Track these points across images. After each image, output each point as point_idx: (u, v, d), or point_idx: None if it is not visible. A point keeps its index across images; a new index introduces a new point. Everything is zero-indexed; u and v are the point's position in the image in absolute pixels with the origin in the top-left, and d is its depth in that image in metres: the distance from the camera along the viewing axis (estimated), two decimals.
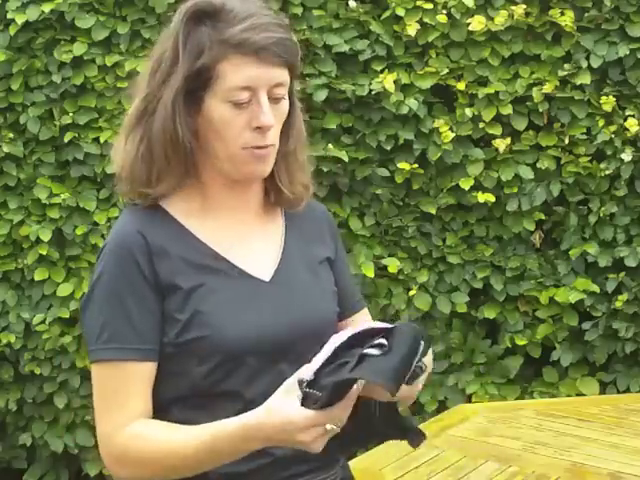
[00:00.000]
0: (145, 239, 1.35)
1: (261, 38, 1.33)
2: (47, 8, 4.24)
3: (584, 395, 4.26)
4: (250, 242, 1.44)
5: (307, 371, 1.19)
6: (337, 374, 1.17)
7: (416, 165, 4.27)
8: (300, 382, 1.19)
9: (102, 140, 4.30)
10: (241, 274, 1.40)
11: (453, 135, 4.23)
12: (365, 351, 1.19)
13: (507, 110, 4.25)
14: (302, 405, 1.18)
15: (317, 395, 1.17)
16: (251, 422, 1.23)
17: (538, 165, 4.29)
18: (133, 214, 1.41)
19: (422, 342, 1.23)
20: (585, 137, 4.27)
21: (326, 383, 1.17)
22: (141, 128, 1.38)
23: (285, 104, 1.40)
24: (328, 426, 1.19)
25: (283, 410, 1.20)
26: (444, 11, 4.22)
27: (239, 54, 1.33)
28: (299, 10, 4.24)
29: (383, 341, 1.20)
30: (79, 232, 4.35)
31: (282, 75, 1.37)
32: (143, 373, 1.34)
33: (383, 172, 4.33)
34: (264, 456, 1.34)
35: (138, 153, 1.38)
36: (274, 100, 1.37)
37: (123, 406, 1.33)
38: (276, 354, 1.36)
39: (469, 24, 4.19)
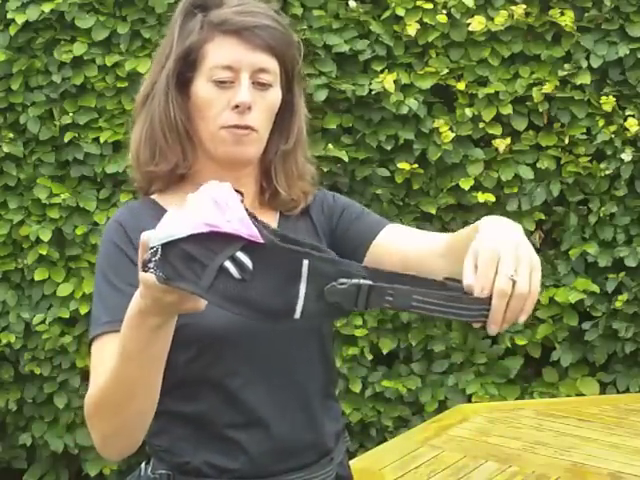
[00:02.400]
0: (123, 227, 1.38)
1: (245, 20, 1.37)
2: (47, 8, 4.24)
3: (584, 395, 4.27)
4: None
5: (156, 239, 1.03)
6: (190, 271, 1.00)
7: (416, 165, 4.27)
8: (150, 255, 1.03)
9: (102, 140, 4.31)
10: None
11: (453, 135, 4.23)
12: (225, 264, 1.01)
13: (507, 110, 4.26)
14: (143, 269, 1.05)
15: (161, 277, 1.02)
16: (136, 295, 1.12)
17: (538, 165, 4.29)
18: (121, 210, 1.46)
19: (304, 272, 1.01)
20: (585, 137, 4.27)
21: (173, 263, 1.01)
22: (145, 112, 1.44)
23: (273, 94, 1.41)
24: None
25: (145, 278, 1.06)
26: (444, 11, 4.22)
27: (222, 33, 1.37)
28: (299, 10, 4.24)
29: (246, 260, 1.01)
30: (79, 232, 4.35)
31: (267, 61, 1.39)
32: None
33: (383, 172, 4.33)
34: (255, 450, 1.36)
35: (142, 135, 1.44)
36: (259, 85, 1.39)
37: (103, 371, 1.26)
38: (258, 344, 1.36)
39: (469, 24, 4.19)
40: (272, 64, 1.40)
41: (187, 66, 1.39)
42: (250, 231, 1.02)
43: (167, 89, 1.41)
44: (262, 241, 1.02)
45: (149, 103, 1.43)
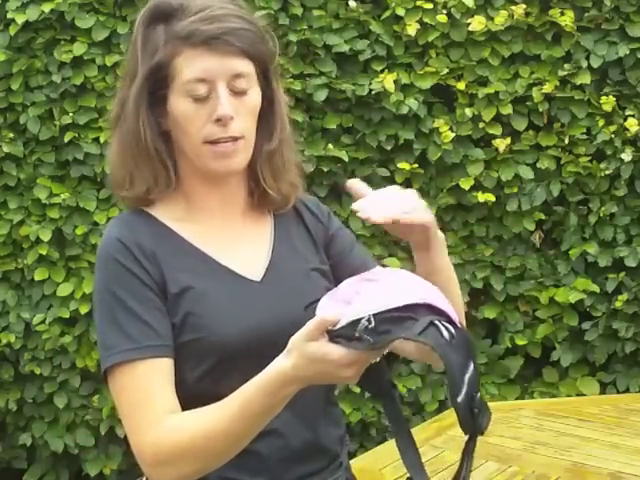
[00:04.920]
0: (124, 244, 1.34)
1: (211, 28, 1.31)
2: (47, 8, 4.24)
3: (584, 395, 4.27)
4: (238, 243, 1.43)
5: (353, 312, 1.14)
6: (402, 328, 1.12)
7: (416, 165, 4.27)
8: (354, 323, 1.13)
9: (102, 140, 4.30)
10: (232, 275, 1.39)
11: (453, 135, 4.23)
12: (435, 321, 1.13)
13: (507, 110, 4.26)
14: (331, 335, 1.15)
15: (369, 341, 1.12)
16: (283, 366, 1.18)
17: (538, 165, 4.29)
18: (116, 223, 1.41)
19: (471, 366, 1.14)
20: (585, 137, 4.27)
21: (385, 330, 1.12)
22: (117, 134, 1.40)
23: (253, 97, 1.37)
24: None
25: (319, 348, 1.15)
26: (444, 11, 4.22)
27: (190, 46, 1.32)
28: (299, 10, 4.24)
29: (451, 328, 1.13)
30: (79, 232, 4.34)
31: (241, 65, 1.34)
32: (162, 369, 1.30)
33: (383, 172, 4.33)
34: (270, 458, 1.34)
35: (115, 157, 1.40)
36: (237, 92, 1.34)
37: (148, 405, 1.27)
38: (270, 354, 1.32)
39: (469, 24, 4.19)
40: (247, 67, 1.35)
41: (158, 83, 1.34)
42: (454, 314, 1.17)
43: (137, 110, 1.35)
44: (459, 325, 1.16)
45: (120, 126, 1.39)
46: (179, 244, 1.39)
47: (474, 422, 1.12)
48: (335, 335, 1.15)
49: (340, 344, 1.14)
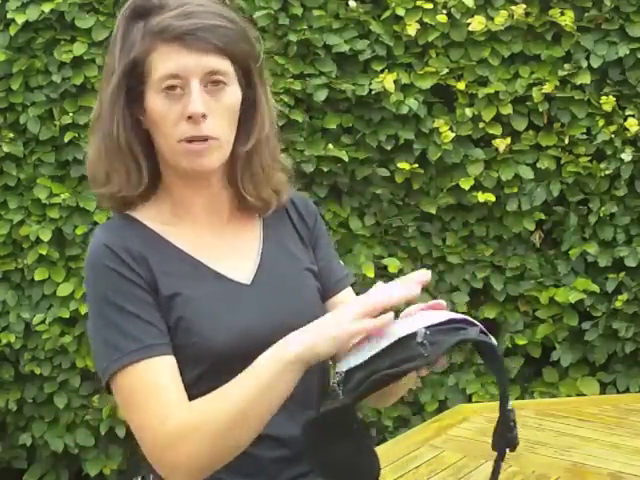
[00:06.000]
0: (110, 249, 1.32)
1: (185, 24, 1.30)
2: (47, 8, 4.24)
3: (584, 395, 4.27)
4: (227, 245, 1.41)
5: (416, 324, 1.16)
6: (453, 335, 1.14)
7: (416, 165, 4.27)
8: (413, 336, 1.14)
9: None
10: (221, 279, 1.37)
11: (453, 135, 4.23)
12: (484, 329, 1.17)
13: (507, 110, 4.26)
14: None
15: (425, 351, 1.12)
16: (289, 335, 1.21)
17: (538, 165, 4.29)
18: (103, 230, 1.39)
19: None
20: (585, 137, 4.27)
21: (438, 340, 1.13)
22: (96, 131, 1.39)
23: (229, 95, 1.34)
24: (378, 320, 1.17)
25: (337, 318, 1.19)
26: (444, 11, 4.22)
27: (164, 42, 1.30)
28: (299, 10, 4.24)
29: (493, 341, 1.17)
30: (79, 232, 4.34)
31: (216, 63, 1.31)
32: (170, 365, 1.29)
33: (383, 172, 4.33)
34: (264, 459, 1.34)
35: (93, 156, 1.39)
36: (211, 90, 1.32)
37: (161, 397, 1.26)
38: None
39: (469, 24, 4.19)
40: (223, 64, 1.32)
41: (135, 80, 1.33)
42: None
43: (112, 108, 1.34)
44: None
45: (99, 125, 1.38)
46: (167, 249, 1.37)
47: (512, 434, 1.17)
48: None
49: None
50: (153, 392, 1.26)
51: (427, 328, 1.13)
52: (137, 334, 1.28)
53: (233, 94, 1.35)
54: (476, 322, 1.17)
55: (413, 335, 1.12)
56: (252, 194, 1.42)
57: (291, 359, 1.18)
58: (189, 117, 1.31)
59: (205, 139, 1.32)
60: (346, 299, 1.49)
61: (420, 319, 1.16)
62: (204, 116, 1.31)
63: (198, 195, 1.40)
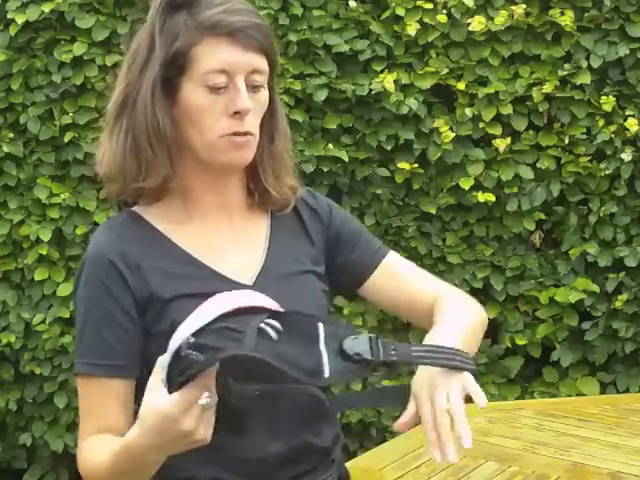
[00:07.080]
0: (110, 261, 1.32)
1: (236, 20, 1.30)
2: (47, 8, 4.24)
3: (584, 395, 4.27)
4: (232, 246, 1.41)
5: (181, 335, 1.10)
6: (231, 344, 1.07)
7: (416, 165, 4.27)
8: (179, 348, 1.09)
9: None
10: (223, 280, 1.36)
11: (453, 135, 4.23)
12: (261, 326, 1.10)
13: (507, 110, 4.26)
14: (167, 384, 1.10)
15: (197, 358, 1.07)
16: (132, 436, 1.18)
17: (538, 165, 4.29)
18: (104, 231, 1.39)
19: (321, 336, 1.12)
20: (585, 137, 4.27)
21: (207, 343, 1.08)
22: (124, 121, 1.35)
23: (264, 95, 1.36)
24: (202, 400, 1.10)
25: (151, 408, 1.13)
26: (444, 11, 4.22)
27: (213, 36, 1.30)
28: (299, 10, 4.24)
29: (276, 324, 1.11)
30: (79, 232, 4.35)
31: (260, 62, 1.33)
32: (111, 389, 1.33)
33: (383, 172, 4.33)
34: (258, 459, 1.34)
35: (126, 147, 1.35)
36: (252, 88, 1.33)
37: (87, 419, 1.34)
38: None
39: (469, 24, 4.19)
40: (263, 64, 1.34)
41: (174, 71, 1.32)
42: (268, 303, 1.14)
43: (152, 96, 1.32)
44: (282, 310, 1.13)
45: (128, 112, 1.34)
46: (170, 249, 1.37)
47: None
48: (169, 381, 1.10)
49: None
50: (85, 408, 1.34)
51: (193, 335, 1.09)
52: (94, 350, 1.33)
53: (266, 95, 1.37)
54: (257, 305, 1.14)
55: (178, 349, 1.10)
56: (275, 188, 1.43)
57: (151, 463, 1.22)
58: (235, 112, 1.31)
59: (246, 134, 1.33)
60: (395, 265, 1.52)
61: (188, 322, 1.12)
62: (247, 113, 1.32)
63: (214, 193, 1.40)
